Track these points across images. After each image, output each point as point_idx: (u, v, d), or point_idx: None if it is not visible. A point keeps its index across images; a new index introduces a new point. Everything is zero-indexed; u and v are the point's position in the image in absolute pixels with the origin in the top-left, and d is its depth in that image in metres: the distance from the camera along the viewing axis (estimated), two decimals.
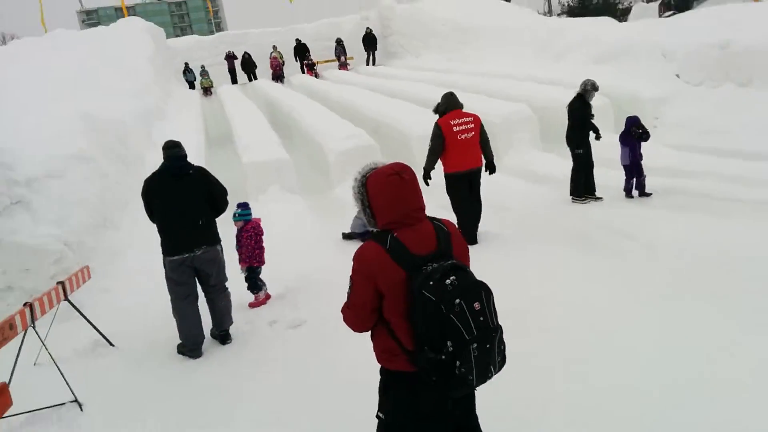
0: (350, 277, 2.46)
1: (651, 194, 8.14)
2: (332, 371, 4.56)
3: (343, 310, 2.56)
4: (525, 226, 7.49)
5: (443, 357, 2.20)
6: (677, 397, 3.65)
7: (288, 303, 5.92)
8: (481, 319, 2.22)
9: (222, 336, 5.26)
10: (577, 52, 16.21)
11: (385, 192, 2.42)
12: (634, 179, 8.26)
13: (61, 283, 4.99)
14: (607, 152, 9.14)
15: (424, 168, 7.07)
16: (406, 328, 2.34)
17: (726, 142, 10.11)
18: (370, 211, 2.48)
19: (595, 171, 8.43)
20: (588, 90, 8.29)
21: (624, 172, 8.29)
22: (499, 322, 2.34)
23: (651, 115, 12.14)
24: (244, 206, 5.97)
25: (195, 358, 5.03)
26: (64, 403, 4.32)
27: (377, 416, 2.59)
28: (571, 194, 8.45)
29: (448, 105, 7.11)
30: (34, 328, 4.43)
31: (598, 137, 8.46)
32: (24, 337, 4.34)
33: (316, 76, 24.95)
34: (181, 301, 5.05)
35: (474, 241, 7.06)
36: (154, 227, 5.84)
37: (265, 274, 6.09)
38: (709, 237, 6.18)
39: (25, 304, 4.44)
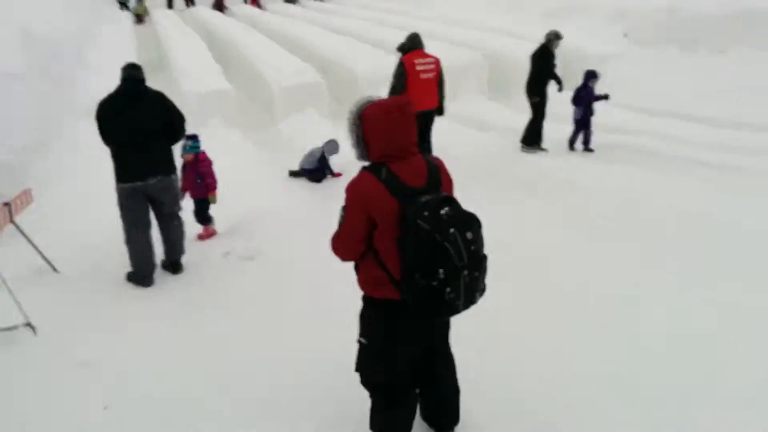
0: (343, 207, 2.52)
1: (593, 150, 8.44)
2: (290, 299, 4.63)
3: (333, 239, 2.62)
4: (473, 172, 7.62)
5: (434, 283, 2.30)
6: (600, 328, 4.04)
7: (239, 236, 5.86)
8: (472, 248, 2.35)
9: (173, 265, 5.18)
10: (529, 4, 16.27)
11: (383, 125, 2.46)
12: (581, 133, 8.51)
13: (7, 204, 4.73)
14: (553, 106, 9.35)
15: None
16: (395, 257, 2.43)
17: (663, 103, 10.51)
18: (363, 144, 2.53)
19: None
20: (552, 39, 8.39)
21: (574, 126, 8.54)
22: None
23: None
24: (194, 138, 5.76)
25: (146, 287, 4.96)
26: (16, 326, 4.18)
27: (358, 341, 2.74)
28: (521, 141, 8.65)
29: (413, 44, 7.25)
30: None
31: (560, 89, 8.59)
32: None
33: (260, 7, 24.01)
34: (133, 229, 4.92)
35: None
36: (92, 152, 5.57)
37: (212, 209, 5.97)
38: (642, 188, 6.59)
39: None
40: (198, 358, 3.94)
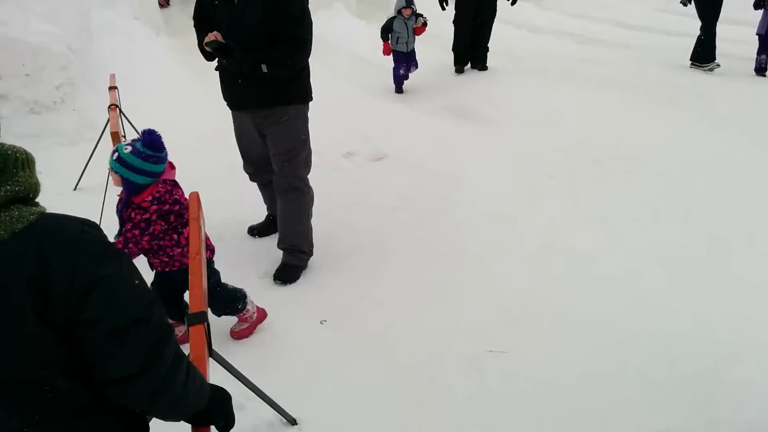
0: None
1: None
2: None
3: None
4: (574, 79, 6.93)
5: None
6: None
7: (350, 137, 5.17)
8: None
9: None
10: None
11: None
12: (764, 56, 6.91)
13: (115, 88, 3.93)
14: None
15: None
16: None
17: None
18: None
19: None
20: None
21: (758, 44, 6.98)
22: None
23: None
24: (154, 142, 2.39)
25: None
26: None
27: None
28: (691, 58, 7.29)
29: None
30: (124, 137, 3.51)
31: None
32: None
33: None
34: None
35: None
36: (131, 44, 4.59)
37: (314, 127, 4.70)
38: None
39: (112, 107, 3.47)
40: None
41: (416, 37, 6.24)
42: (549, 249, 3.56)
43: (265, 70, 2.90)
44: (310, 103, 3.25)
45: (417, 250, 3.59)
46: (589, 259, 3.44)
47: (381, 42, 6.26)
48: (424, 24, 6.17)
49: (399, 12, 6.06)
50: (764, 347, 2.71)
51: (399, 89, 6.45)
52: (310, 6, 3.02)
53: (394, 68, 6.38)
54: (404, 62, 6.30)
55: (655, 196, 4.14)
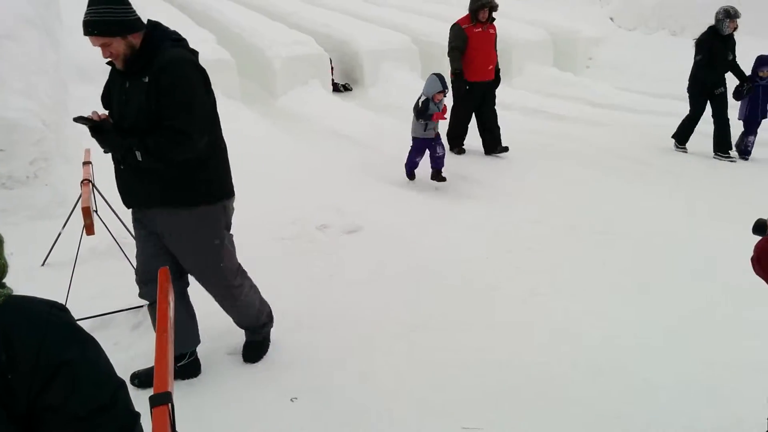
0: None
1: (746, 159, 6.88)
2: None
3: None
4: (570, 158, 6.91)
5: None
6: None
7: (326, 211, 5.20)
8: None
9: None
10: None
11: None
12: (751, 137, 6.84)
13: (89, 163, 3.94)
14: None
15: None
16: None
17: (657, 87, 10.56)
18: None
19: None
20: (720, 19, 6.66)
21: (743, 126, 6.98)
22: None
23: (584, 55, 12.58)
24: None
25: None
26: (141, 306, 3.47)
27: None
28: (674, 138, 7.28)
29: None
30: (96, 212, 3.49)
31: (740, 88, 6.81)
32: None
33: None
34: (244, 277, 3.10)
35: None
36: None
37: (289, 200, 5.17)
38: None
39: (84, 182, 3.46)
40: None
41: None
42: (528, 320, 3.57)
43: (140, 159, 2.55)
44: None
45: (392, 324, 3.55)
46: (570, 332, 3.43)
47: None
48: (445, 107, 5.76)
49: (432, 97, 5.58)
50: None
51: (412, 175, 6.01)
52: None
53: (411, 156, 5.93)
54: (424, 150, 5.86)
55: (632, 267, 4.22)
